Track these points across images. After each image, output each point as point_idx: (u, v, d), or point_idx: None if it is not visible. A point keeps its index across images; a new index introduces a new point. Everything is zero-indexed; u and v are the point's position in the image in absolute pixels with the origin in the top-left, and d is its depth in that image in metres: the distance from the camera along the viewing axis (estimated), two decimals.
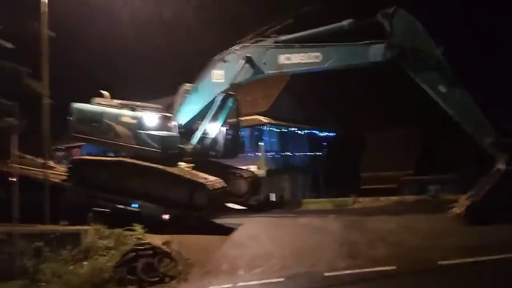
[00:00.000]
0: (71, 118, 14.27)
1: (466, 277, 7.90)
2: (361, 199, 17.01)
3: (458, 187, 20.94)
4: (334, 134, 30.22)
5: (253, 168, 21.88)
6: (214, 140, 14.12)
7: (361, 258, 9.41)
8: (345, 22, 12.13)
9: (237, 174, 15.59)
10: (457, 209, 11.25)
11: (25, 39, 15.46)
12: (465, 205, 10.96)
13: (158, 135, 12.81)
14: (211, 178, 12.32)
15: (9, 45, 14.89)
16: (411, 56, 11.31)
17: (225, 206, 14.71)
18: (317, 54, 12.25)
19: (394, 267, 8.57)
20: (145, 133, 12.86)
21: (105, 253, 10.45)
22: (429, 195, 17.20)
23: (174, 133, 13.60)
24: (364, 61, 11.94)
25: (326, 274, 8.65)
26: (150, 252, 9.98)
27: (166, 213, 12.73)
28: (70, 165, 14.14)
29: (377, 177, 26.91)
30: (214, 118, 13.76)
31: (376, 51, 11.68)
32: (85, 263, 10.13)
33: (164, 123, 13.64)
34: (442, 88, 11.20)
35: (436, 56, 11.14)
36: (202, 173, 12.45)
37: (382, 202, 16.27)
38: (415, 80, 11.47)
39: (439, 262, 8.45)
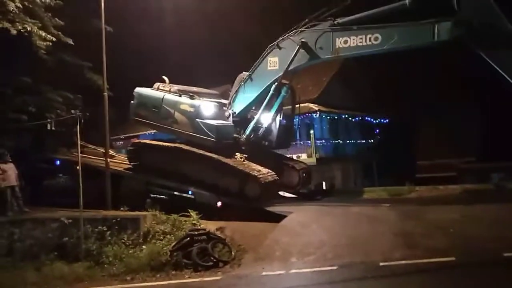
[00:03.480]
0: (133, 102, 14.78)
1: None
2: (417, 188, 16.36)
3: None
4: (388, 120, 29.20)
5: (303, 156, 21.74)
6: (268, 130, 14.07)
7: (418, 248, 9.10)
8: (406, 0, 11.51)
9: (290, 166, 15.52)
10: None
11: (86, 35, 16.22)
12: None
13: (213, 125, 13.00)
14: (264, 170, 12.38)
15: (69, 41, 15.71)
16: (481, 32, 10.44)
17: (277, 194, 14.74)
18: (377, 35, 11.59)
19: (453, 258, 8.23)
20: (201, 121, 13.10)
21: (162, 238, 10.90)
22: (493, 184, 16.20)
23: (229, 122, 13.77)
24: (428, 40, 11.15)
25: (381, 264, 8.46)
26: (205, 237, 10.29)
27: (219, 201, 13.00)
28: (131, 148, 14.75)
29: (435, 165, 25.81)
30: (268, 107, 13.72)
31: (442, 29, 10.86)
32: (144, 247, 10.64)
33: (220, 112, 13.81)
34: None
35: (508, 32, 10.23)
36: (256, 165, 12.55)
37: (441, 191, 15.54)
38: (485, 58, 10.54)
39: (504, 254, 7.98)
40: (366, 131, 28.13)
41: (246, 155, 12.91)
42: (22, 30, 13.58)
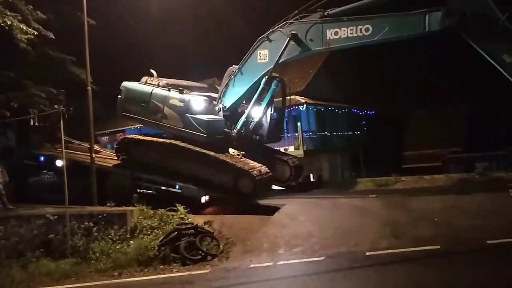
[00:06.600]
0: (120, 97, 14.45)
1: None
2: (403, 178, 16.56)
3: (509, 164, 20.01)
4: (374, 112, 29.39)
5: (291, 148, 21.77)
6: (258, 124, 13.95)
7: (404, 237, 9.22)
8: None
9: (282, 160, 15.49)
10: None
11: (70, 29, 15.90)
12: None
13: (204, 120, 12.86)
14: (257, 166, 12.35)
15: (50, 35, 15.36)
16: (472, 22, 10.43)
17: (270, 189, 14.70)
18: (368, 26, 11.50)
19: (439, 247, 8.35)
20: (192, 117, 12.93)
21: (149, 233, 10.84)
22: (477, 173, 16.49)
23: (220, 117, 13.60)
24: (419, 31, 11.16)
25: (368, 253, 8.55)
26: (192, 231, 10.27)
27: (206, 195, 12.95)
28: (119, 143, 14.53)
29: (421, 156, 26.06)
30: (258, 101, 13.57)
31: (433, 20, 10.85)
32: (131, 242, 10.58)
33: (211, 106, 13.63)
34: (506, 57, 10.25)
35: (500, 22, 10.21)
36: (249, 161, 12.50)
37: (427, 181, 15.75)
38: (476, 48, 10.56)
39: (488, 242, 8.12)
40: (352, 122, 28.28)
41: (243, 152, 12.81)
42: (2, 24, 13.24)
